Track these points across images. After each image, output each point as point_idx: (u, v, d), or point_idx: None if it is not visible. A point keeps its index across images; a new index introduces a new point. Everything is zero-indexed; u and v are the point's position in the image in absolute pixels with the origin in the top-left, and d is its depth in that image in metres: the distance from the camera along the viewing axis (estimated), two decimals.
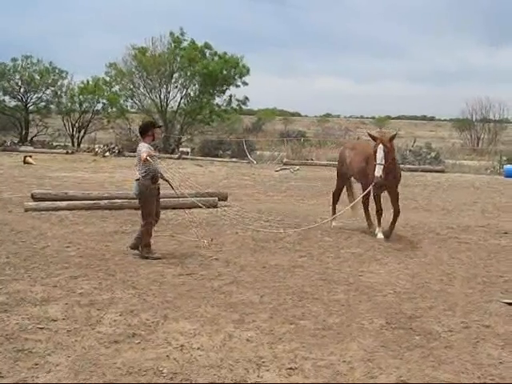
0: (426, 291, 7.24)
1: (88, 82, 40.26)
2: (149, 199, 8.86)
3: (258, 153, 35.07)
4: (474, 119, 51.27)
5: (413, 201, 16.23)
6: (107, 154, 31.67)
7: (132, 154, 31.78)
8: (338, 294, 7.17)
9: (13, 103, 42.04)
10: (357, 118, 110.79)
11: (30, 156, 26.23)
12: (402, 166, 26.53)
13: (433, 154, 30.34)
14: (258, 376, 4.85)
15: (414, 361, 5.24)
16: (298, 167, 26.69)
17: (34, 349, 5.30)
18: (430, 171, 26.75)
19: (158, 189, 9.10)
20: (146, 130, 9.11)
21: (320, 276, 8.00)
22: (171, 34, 36.13)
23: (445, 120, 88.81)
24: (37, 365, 4.96)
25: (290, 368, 5.00)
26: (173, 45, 36.03)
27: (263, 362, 5.12)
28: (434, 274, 8.18)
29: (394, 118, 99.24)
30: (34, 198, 13.47)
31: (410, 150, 30.91)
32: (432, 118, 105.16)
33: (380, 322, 6.23)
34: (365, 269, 8.46)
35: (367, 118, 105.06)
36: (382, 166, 9.95)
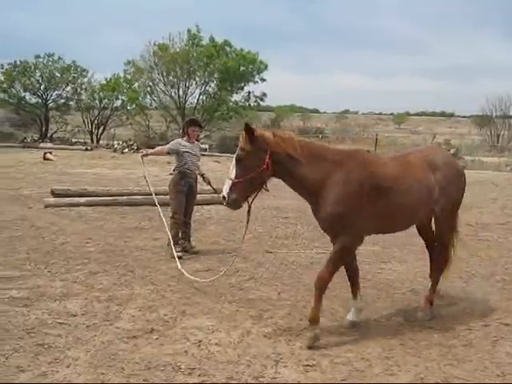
0: (445, 289, 7.20)
1: (110, 79, 40.50)
2: (175, 195, 8.88)
3: None
4: (493, 115, 50.71)
5: None
6: (126, 150, 31.83)
7: (150, 150, 31.93)
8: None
9: (33, 100, 42.43)
10: (375, 114, 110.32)
11: (50, 152, 26.45)
12: None
13: (452, 151, 30.01)
14: (276, 372, 4.86)
15: (433, 359, 5.21)
16: None
17: (53, 343, 5.36)
18: None
19: (192, 187, 9.05)
20: (183, 128, 9.32)
21: (338, 273, 7.94)
22: (188, 31, 36.23)
23: (464, 116, 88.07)
24: (56, 359, 5.01)
25: (308, 364, 5.01)
26: (190, 42, 36.11)
27: (281, 358, 5.13)
28: (453, 271, 8.12)
29: (412, 115, 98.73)
30: (54, 194, 13.59)
31: None
32: (451, 115, 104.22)
33: (398, 320, 6.21)
34: (383, 266, 8.43)
35: (386, 114, 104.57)
36: (231, 183, 5.50)
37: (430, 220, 6.48)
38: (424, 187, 5.96)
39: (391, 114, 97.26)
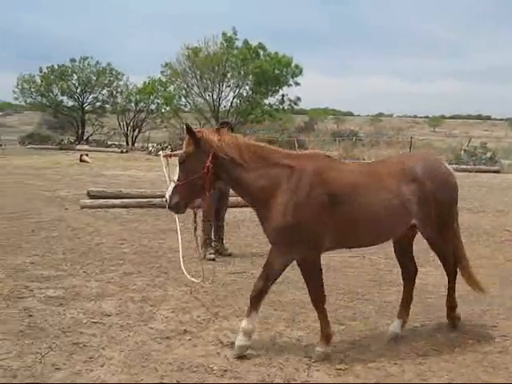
0: (480, 294, 7.09)
1: (148, 83, 40.94)
2: (206, 197, 8.86)
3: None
4: None
5: (467, 202, 15.88)
6: (160, 152, 32.10)
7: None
8: (390, 296, 7.09)
9: (70, 103, 43.17)
10: (410, 117, 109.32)
11: (86, 154, 26.86)
12: (456, 166, 26.22)
13: (488, 155, 29.58)
14: (308, 375, 4.84)
15: (467, 365, 5.13)
16: None
17: (88, 343, 5.43)
18: (485, 172, 26.03)
19: (221, 189, 8.75)
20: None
21: (371, 277, 7.93)
22: (223, 34, 36.39)
23: (501, 119, 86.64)
24: (91, 358, 5.08)
25: (340, 369, 4.98)
26: (225, 44, 36.28)
27: (313, 361, 5.11)
28: (489, 277, 8.00)
29: (448, 118, 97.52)
30: (90, 195, 13.80)
31: (465, 150, 30.27)
32: (488, 118, 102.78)
33: (432, 325, 6.14)
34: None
35: (421, 117, 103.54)
36: (174, 185, 5.26)
37: (411, 238, 5.89)
38: (394, 198, 5.26)
39: (426, 116, 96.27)
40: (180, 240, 5.79)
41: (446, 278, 7.49)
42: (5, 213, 12.16)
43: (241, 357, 5.15)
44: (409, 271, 6.05)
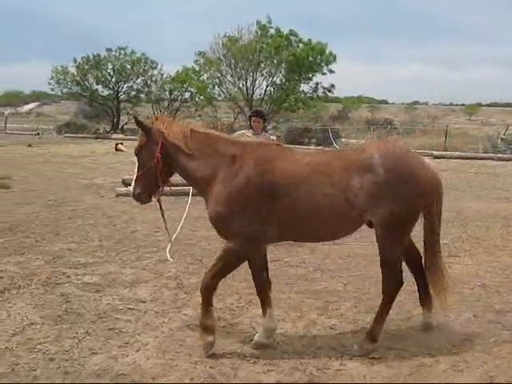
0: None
1: (182, 72, 41.14)
2: None
3: (344, 140, 34.70)
4: None
5: (504, 191, 15.62)
6: None
7: None
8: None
9: (105, 92, 43.60)
10: (445, 105, 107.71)
11: (122, 143, 27.10)
12: (492, 154, 25.75)
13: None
14: (341, 364, 4.85)
15: (503, 356, 5.07)
16: None
17: (124, 328, 5.53)
18: None
19: None
20: (249, 119, 9.25)
21: (404, 266, 7.84)
22: (258, 22, 36.26)
23: None
24: (127, 343, 5.18)
25: (373, 357, 4.97)
26: (259, 33, 36.15)
27: (346, 350, 5.12)
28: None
29: (485, 106, 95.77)
30: (125, 183, 13.95)
31: (502, 139, 29.69)
32: None
33: (467, 315, 6.07)
34: (452, 260, 8.24)
35: (457, 105, 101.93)
36: (135, 177, 5.37)
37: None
38: (338, 192, 4.84)
39: (462, 104, 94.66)
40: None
41: (481, 267, 7.38)
42: (43, 200, 12.39)
43: (274, 345, 5.18)
44: (411, 256, 5.61)
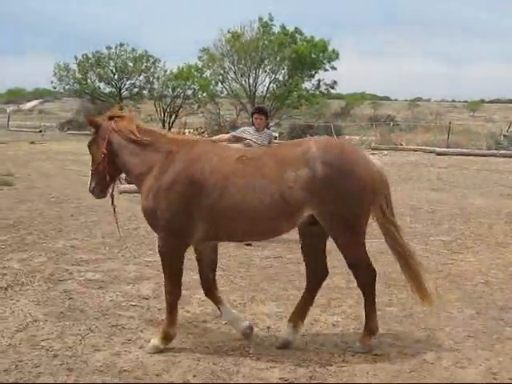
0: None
1: (183, 68, 41.16)
2: None
3: (347, 137, 34.69)
4: None
5: (507, 188, 15.61)
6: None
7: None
8: (427, 282, 7.02)
9: (107, 89, 43.62)
10: (448, 102, 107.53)
11: None
12: (495, 151, 25.66)
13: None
14: (343, 361, 4.86)
15: (505, 353, 5.07)
16: (386, 152, 26.22)
17: (127, 325, 5.54)
18: None
19: None
20: (251, 116, 9.18)
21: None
22: (260, 19, 36.25)
23: None
24: (129, 340, 5.19)
25: (376, 354, 4.98)
26: (262, 30, 36.14)
27: (348, 347, 5.12)
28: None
29: (488, 102, 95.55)
30: (128, 180, 13.95)
31: (505, 136, 29.64)
32: None
33: (470, 312, 6.08)
34: (455, 257, 8.25)
35: (459, 101, 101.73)
36: (90, 172, 5.57)
37: (323, 234, 5.04)
38: (270, 187, 4.69)
39: (465, 101, 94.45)
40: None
41: (484, 264, 7.40)
42: (46, 197, 12.41)
43: (276, 341, 5.19)
44: (316, 274, 5.29)
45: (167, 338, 5.02)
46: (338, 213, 4.74)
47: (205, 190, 4.79)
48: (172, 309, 5.08)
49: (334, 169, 4.66)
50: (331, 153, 4.76)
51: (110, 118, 5.38)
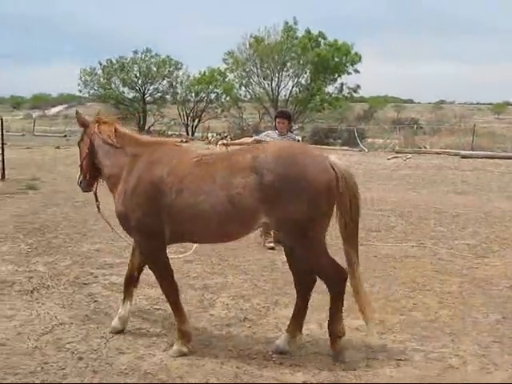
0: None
1: (204, 72, 41.40)
2: None
3: (370, 140, 34.58)
4: None
5: None
6: (220, 142, 32.34)
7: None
8: (451, 286, 6.97)
9: (131, 94, 44.03)
10: (472, 104, 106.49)
11: None
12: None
13: None
14: (367, 365, 4.83)
15: None
16: (410, 155, 26.06)
17: (151, 328, 5.58)
18: None
19: None
20: (274, 120, 9.20)
21: (432, 267, 7.81)
22: (285, 23, 36.33)
23: None
24: (153, 343, 5.21)
25: (400, 359, 4.94)
26: (286, 34, 36.21)
27: (372, 351, 5.10)
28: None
29: None
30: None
31: None
32: None
33: (495, 317, 6.01)
34: (480, 261, 8.17)
35: (484, 104, 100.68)
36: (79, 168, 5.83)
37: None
38: (220, 192, 4.64)
39: (490, 103, 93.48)
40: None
41: (509, 268, 7.31)
42: (71, 202, 12.54)
43: (299, 345, 5.19)
44: (304, 281, 5.15)
45: (185, 336, 5.02)
46: (290, 220, 4.58)
47: (163, 192, 4.85)
48: (177, 306, 5.10)
49: (280, 175, 4.52)
50: (279, 159, 4.60)
51: (97, 121, 5.61)
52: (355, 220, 4.86)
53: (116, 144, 5.36)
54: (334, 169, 4.66)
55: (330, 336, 4.93)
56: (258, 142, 8.78)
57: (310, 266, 4.87)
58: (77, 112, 5.81)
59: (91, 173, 5.64)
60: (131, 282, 5.62)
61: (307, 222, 4.57)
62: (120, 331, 5.43)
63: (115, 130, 5.46)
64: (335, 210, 4.77)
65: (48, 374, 4.58)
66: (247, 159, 4.68)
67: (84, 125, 5.68)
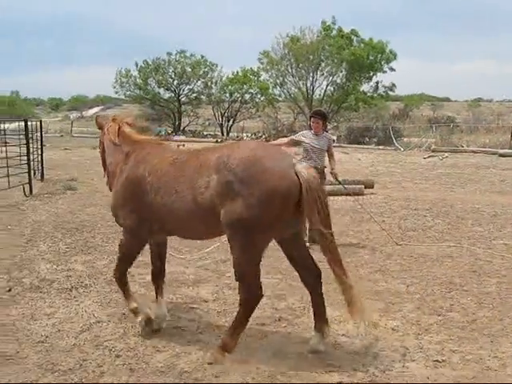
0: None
1: (237, 72, 41.55)
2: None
3: (405, 139, 34.25)
4: None
5: None
6: None
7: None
8: (490, 287, 6.87)
9: (167, 95, 44.39)
10: (511, 102, 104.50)
11: (183, 145, 27.48)
12: None
13: None
14: (403, 366, 4.79)
15: None
16: (446, 154, 25.73)
17: (187, 327, 5.62)
18: None
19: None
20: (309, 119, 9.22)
21: (470, 267, 7.71)
22: (323, 22, 36.21)
23: None
24: (189, 342, 5.26)
25: (437, 360, 4.89)
26: (323, 33, 36.10)
27: (408, 352, 5.05)
28: None
29: None
30: None
31: None
32: None
33: None
34: None
35: None
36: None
37: (297, 235, 5.05)
38: (189, 191, 4.77)
39: None
40: None
41: None
42: (108, 201, 12.68)
43: (335, 345, 5.17)
44: (310, 276, 5.08)
45: (135, 313, 5.44)
46: (236, 217, 4.51)
47: (146, 191, 5.09)
48: (124, 290, 5.55)
49: (237, 176, 4.50)
50: (240, 160, 4.56)
51: (111, 121, 5.89)
52: (328, 228, 4.73)
53: (116, 142, 5.65)
54: (298, 177, 4.53)
55: (220, 343, 4.89)
56: (295, 142, 8.82)
57: (234, 268, 4.76)
58: (96, 116, 6.18)
59: (107, 171, 5.93)
60: (159, 276, 5.77)
61: (252, 223, 4.49)
62: (157, 331, 5.48)
63: (119, 129, 5.71)
64: (307, 220, 4.77)
65: (86, 372, 4.66)
66: (213, 159, 4.72)
67: (99, 126, 6.01)
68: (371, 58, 35.64)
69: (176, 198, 4.86)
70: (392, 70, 36.50)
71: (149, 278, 7.07)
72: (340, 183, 9.43)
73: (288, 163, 4.61)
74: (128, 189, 5.25)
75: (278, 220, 4.57)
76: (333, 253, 4.79)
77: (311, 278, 5.07)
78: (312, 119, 8.88)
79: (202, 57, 43.62)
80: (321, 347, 5.01)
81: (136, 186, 5.16)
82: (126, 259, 5.54)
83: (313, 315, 5.17)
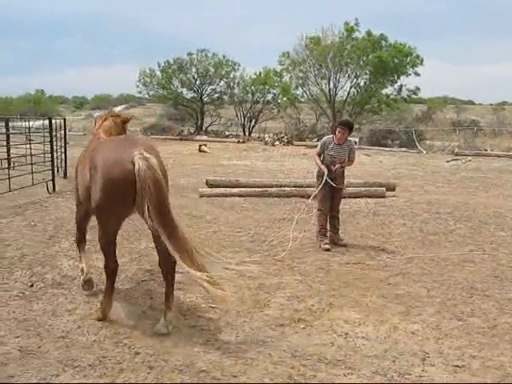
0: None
1: (260, 73, 41.59)
2: (320, 187, 8.88)
3: (428, 142, 34.02)
4: None
5: None
6: (276, 143, 32.39)
7: (299, 143, 32.28)
8: (511, 293, 6.80)
9: (189, 95, 44.55)
10: None
11: (205, 145, 27.64)
12: None
13: None
14: (423, 370, 4.76)
15: None
16: (469, 158, 25.50)
17: (206, 326, 5.63)
18: None
19: (333, 180, 8.85)
20: (334, 127, 9.29)
21: (492, 272, 7.63)
22: (346, 23, 36.05)
23: None
24: (208, 341, 5.26)
25: (457, 365, 4.85)
26: (345, 34, 35.94)
27: (428, 356, 5.02)
28: None
29: None
30: (208, 184, 14.20)
31: None
32: None
33: None
34: None
35: None
36: None
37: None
38: (83, 182, 5.84)
39: None
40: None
41: None
42: None
43: (354, 348, 5.15)
44: (165, 263, 5.69)
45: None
46: (92, 203, 5.41)
47: (77, 173, 6.14)
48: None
49: (92, 165, 5.38)
50: (97, 151, 5.51)
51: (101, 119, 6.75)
52: (159, 220, 5.25)
53: (94, 137, 6.41)
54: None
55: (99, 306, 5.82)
56: (320, 152, 8.92)
57: (99, 240, 5.71)
58: (96, 116, 6.95)
59: None
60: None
61: (97, 205, 5.34)
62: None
63: (100, 127, 6.45)
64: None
65: (106, 368, 4.69)
66: (91, 151, 5.71)
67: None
68: (396, 61, 35.39)
69: (85, 192, 5.66)
70: (417, 74, 36.18)
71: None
72: (329, 181, 9.02)
73: (127, 152, 5.17)
74: (82, 178, 5.91)
75: (118, 204, 5.31)
76: (165, 232, 5.28)
77: (167, 264, 5.62)
78: (338, 129, 8.86)
79: (224, 57, 43.74)
80: (163, 329, 5.38)
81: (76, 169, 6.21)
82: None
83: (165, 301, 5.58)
